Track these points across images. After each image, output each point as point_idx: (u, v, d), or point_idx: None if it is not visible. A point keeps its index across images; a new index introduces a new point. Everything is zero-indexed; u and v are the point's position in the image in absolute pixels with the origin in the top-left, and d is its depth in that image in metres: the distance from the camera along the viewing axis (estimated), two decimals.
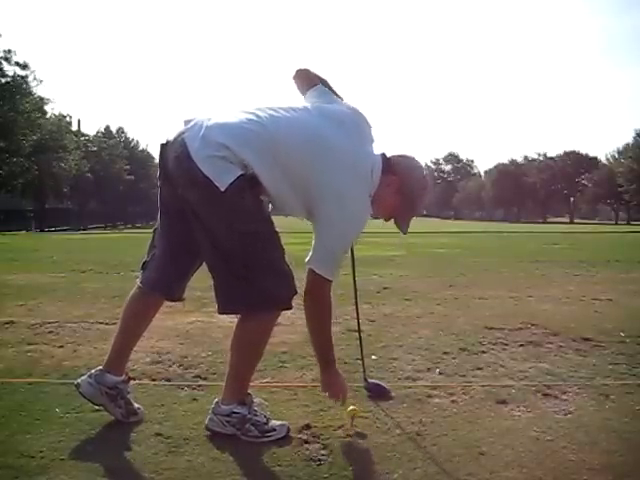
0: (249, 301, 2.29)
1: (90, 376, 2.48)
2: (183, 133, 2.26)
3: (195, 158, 2.17)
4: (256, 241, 2.25)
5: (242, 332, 2.37)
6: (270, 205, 2.39)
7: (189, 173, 2.18)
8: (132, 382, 2.61)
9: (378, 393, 2.87)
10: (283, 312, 2.45)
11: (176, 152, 2.23)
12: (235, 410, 2.34)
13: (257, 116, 2.26)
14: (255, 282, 2.27)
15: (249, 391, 2.44)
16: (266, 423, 2.36)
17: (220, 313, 2.39)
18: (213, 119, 2.27)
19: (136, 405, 2.54)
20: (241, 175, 2.17)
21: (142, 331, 2.61)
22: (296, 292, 2.37)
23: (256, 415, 2.36)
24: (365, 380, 2.93)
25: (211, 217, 2.24)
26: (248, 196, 2.21)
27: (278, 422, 2.40)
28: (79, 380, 2.50)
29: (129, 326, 2.55)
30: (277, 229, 2.36)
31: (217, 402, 2.39)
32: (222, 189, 2.14)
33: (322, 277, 2.27)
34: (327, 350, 2.45)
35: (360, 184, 2.28)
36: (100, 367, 2.50)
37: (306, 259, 2.30)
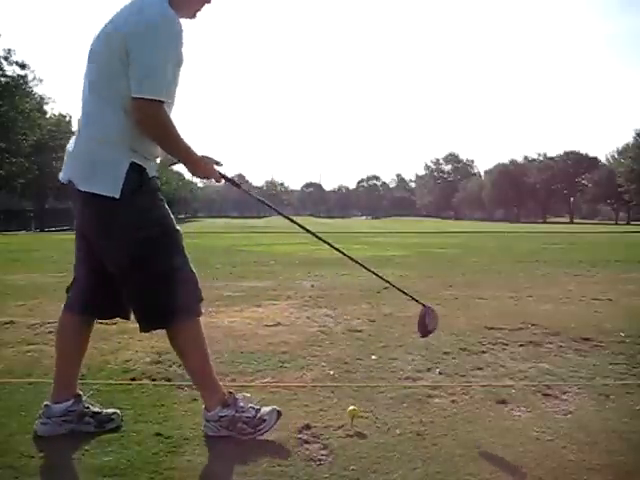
0: (165, 316, 2.27)
1: (40, 417, 2.38)
2: (63, 174, 2.30)
3: (81, 186, 2.19)
4: (154, 248, 2.23)
5: (175, 346, 2.37)
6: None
7: (82, 201, 2.22)
8: (85, 396, 2.50)
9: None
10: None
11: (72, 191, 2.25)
12: (221, 413, 2.33)
13: (83, 86, 2.28)
14: (165, 294, 2.24)
15: (231, 390, 2.44)
16: (255, 415, 2.35)
17: (141, 332, 2.39)
18: (76, 134, 2.31)
19: (110, 410, 2.48)
20: (130, 166, 2.16)
21: (81, 355, 2.50)
22: (202, 298, 2.36)
23: (244, 411, 2.35)
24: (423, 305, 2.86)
25: (107, 239, 2.23)
26: (143, 194, 2.23)
27: (268, 408, 2.39)
28: (34, 427, 2.38)
29: (65, 353, 2.46)
30: (179, 229, 2.34)
31: (204, 409, 2.38)
32: (117, 196, 2.15)
33: (150, 101, 2.09)
34: (188, 150, 2.28)
35: (144, 1, 2.16)
36: (46, 402, 2.40)
37: (132, 94, 2.10)
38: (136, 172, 2.20)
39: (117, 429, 2.42)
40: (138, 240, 2.21)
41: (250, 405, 2.39)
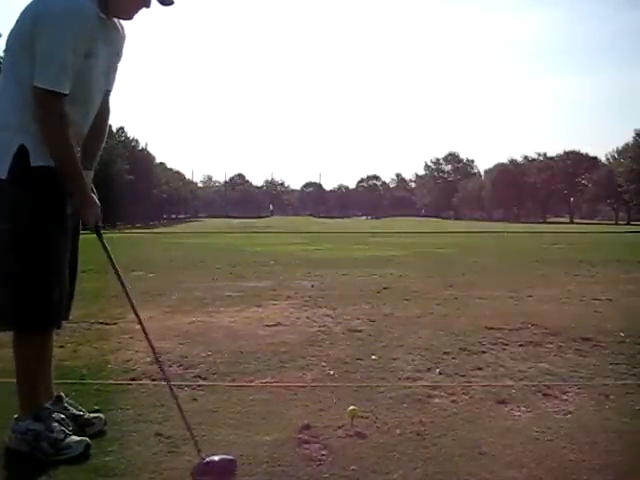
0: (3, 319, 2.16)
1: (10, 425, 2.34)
2: None
3: None
4: (13, 244, 2.11)
5: (12, 346, 2.24)
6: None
7: None
8: (66, 399, 2.46)
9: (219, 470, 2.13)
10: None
11: None
12: (30, 427, 2.18)
13: None
14: (7, 296, 2.13)
15: (48, 405, 2.29)
16: (63, 439, 2.19)
17: None
18: None
19: (92, 415, 2.45)
20: (19, 150, 2.08)
21: (48, 358, 2.42)
22: (52, 321, 2.20)
23: (52, 432, 2.19)
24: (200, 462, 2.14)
25: None
26: (24, 183, 2.11)
27: (77, 438, 2.22)
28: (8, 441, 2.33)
29: None
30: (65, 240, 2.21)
31: (16, 419, 2.24)
32: (3, 176, 2.08)
33: (49, 91, 2.05)
34: (73, 162, 2.16)
35: None
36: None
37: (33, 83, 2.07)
38: (20, 159, 2.10)
39: (100, 434, 2.37)
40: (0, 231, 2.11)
41: (61, 428, 2.23)
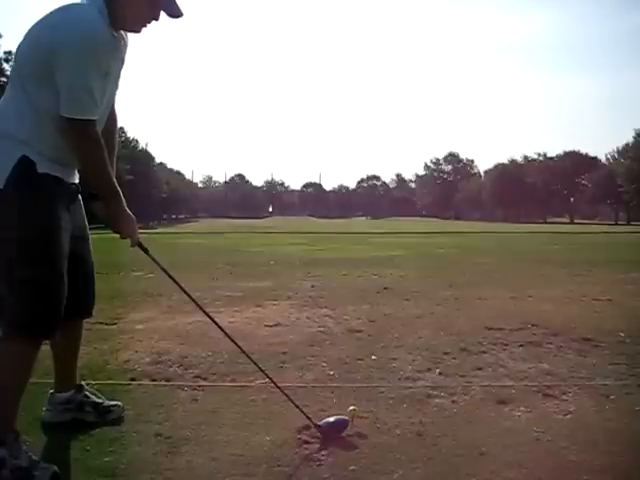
0: (12, 325, 2.10)
1: (45, 405, 2.52)
2: None
3: None
4: (22, 251, 2.08)
5: None
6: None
7: None
8: (87, 386, 2.60)
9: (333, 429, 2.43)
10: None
11: None
12: None
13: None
14: (6, 301, 2.09)
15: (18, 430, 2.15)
16: (28, 467, 2.05)
17: None
18: None
19: (111, 402, 2.59)
20: (21, 160, 2.06)
21: (73, 351, 2.52)
22: (55, 326, 2.16)
23: (17, 458, 2.06)
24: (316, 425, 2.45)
25: None
26: (28, 191, 2.09)
27: (44, 465, 2.09)
28: (42, 414, 2.51)
29: (56, 352, 2.49)
30: (66, 242, 2.19)
31: None
32: (1, 186, 2.06)
33: (80, 120, 2.06)
34: (111, 184, 2.23)
35: (71, 12, 2.09)
36: (51, 390, 2.53)
37: (60, 112, 2.06)
38: (26, 167, 2.08)
39: (118, 420, 2.52)
40: (6, 239, 2.08)
41: (27, 455, 2.09)
